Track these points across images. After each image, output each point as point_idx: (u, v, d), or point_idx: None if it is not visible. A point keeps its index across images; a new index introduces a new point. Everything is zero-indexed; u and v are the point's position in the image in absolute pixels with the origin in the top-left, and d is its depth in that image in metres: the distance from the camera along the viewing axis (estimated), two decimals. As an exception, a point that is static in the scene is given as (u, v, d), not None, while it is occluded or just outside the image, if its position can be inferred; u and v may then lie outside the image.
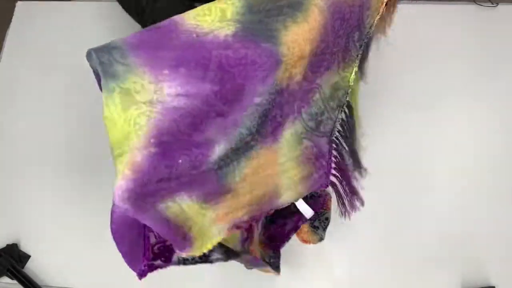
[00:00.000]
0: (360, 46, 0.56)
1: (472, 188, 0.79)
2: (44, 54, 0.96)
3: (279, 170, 0.55)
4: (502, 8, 0.92)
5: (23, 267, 0.78)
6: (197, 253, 0.51)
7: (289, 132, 0.53)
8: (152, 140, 0.43)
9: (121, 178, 0.42)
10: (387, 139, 0.83)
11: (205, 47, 0.45)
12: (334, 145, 0.60)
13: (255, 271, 0.75)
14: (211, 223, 0.51)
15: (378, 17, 0.55)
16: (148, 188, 0.44)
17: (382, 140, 0.83)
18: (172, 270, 0.77)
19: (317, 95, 0.55)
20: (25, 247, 0.80)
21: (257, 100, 0.47)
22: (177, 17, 0.46)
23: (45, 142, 0.87)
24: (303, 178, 0.58)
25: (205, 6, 0.46)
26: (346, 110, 0.60)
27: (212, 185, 0.49)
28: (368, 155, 0.82)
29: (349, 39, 0.54)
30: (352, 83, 0.58)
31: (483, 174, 0.80)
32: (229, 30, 0.45)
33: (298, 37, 0.47)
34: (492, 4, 0.92)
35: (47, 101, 0.91)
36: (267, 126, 0.50)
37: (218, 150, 0.48)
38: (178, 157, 0.45)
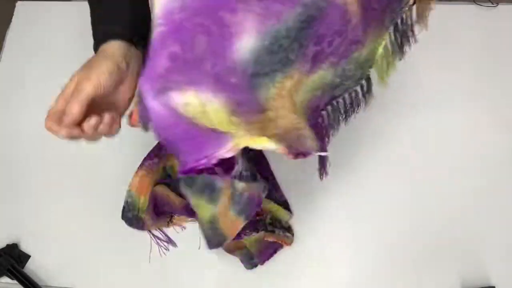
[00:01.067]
0: (392, 20, 0.52)
1: (472, 188, 0.79)
2: (44, 54, 0.96)
3: (294, 109, 0.49)
4: (502, 8, 0.92)
5: (23, 267, 0.77)
6: (244, 144, 0.42)
7: (321, 74, 0.48)
8: (159, 21, 0.39)
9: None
10: (386, 139, 0.83)
11: None
12: (330, 110, 0.57)
13: (255, 271, 0.75)
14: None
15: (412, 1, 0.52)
16: (159, 70, 0.39)
17: (381, 140, 0.83)
18: (173, 272, 0.77)
19: (356, 54, 0.50)
20: (25, 247, 0.80)
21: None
22: None
23: (45, 142, 0.87)
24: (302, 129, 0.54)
25: None
26: (364, 83, 0.56)
27: (244, 94, 0.42)
28: (368, 155, 0.82)
29: (387, 10, 0.51)
30: (378, 58, 0.54)
31: (484, 174, 0.80)
32: None
33: None
34: (492, 4, 0.92)
35: (47, 101, 0.91)
36: (310, 46, 0.44)
37: (248, 42, 0.40)
38: (193, 35, 0.39)
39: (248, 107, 0.42)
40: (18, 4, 1.01)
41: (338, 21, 0.43)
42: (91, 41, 0.48)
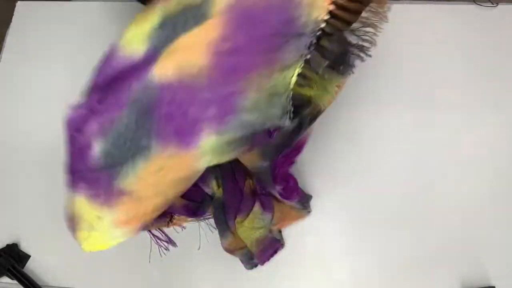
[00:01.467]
0: (306, 45, 0.46)
1: (472, 188, 0.79)
2: (44, 54, 0.96)
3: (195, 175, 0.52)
4: (502, 8, 0.92)
5: (23, 267, 0.78)
6: (87, 248, 0.56)
7: (209, 141, 0.46)
8: None
9: None
10: (386, 139, 0.83)
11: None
12: None
13: (255, 271, 0.75)
14: (112, 227, 0.52)
15: (326, 16, 0.45)
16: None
17: (381, 139, 0.83)
18: (173, 272, 0.77)
19: (246, 101, 0.46)
20: (25, 247, 0.80)
21: (133, 95, 0.45)
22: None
23: (45, 142, 0.87)
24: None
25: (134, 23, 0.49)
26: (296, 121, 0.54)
27: (104, 184, 0.49)
28: (367, 155, 0.82)
29: (285, 39, 0.45)
30: (292, 86, 0.48)
31: (484, 174, 0.80)
32: (142, 51, 0.47)
33: (192, 39, 0.45)
34: (492, 4, 0.92)
35: (47, 101, 0.91)
36: (162, 127, 0.46)
37: (97, 147, 0.48)
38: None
39: (108, 194, 0.50)
40: (18, 4, 1.01)
41: (175, 95, 0.45)
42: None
